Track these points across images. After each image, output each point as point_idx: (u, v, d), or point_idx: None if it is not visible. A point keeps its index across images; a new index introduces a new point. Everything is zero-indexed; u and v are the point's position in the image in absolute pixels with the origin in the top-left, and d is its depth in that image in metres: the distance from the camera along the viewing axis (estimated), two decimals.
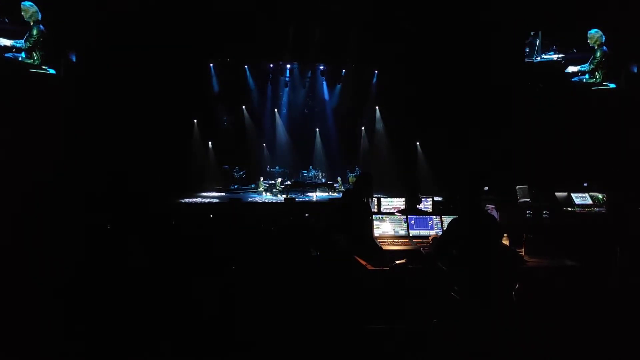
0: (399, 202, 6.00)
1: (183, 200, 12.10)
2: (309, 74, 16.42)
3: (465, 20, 10.91)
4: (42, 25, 8.92)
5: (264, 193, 14.39)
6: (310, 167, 15.98)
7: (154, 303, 4.30)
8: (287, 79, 16.07)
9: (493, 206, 5.00)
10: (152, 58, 11.05)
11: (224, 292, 4.62)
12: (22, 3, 8.67)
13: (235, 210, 7.63)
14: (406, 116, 13.95)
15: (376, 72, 15.86)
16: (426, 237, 4.33)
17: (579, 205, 6.40)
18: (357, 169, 15.86)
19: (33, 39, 8.76)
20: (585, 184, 7.03)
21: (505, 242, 4.13)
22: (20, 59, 8.71)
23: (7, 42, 8.63)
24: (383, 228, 4.47)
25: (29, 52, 8.78)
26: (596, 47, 9.52)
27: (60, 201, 7.40)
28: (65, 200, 7.48)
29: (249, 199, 12.95)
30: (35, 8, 8.80)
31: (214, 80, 15.26)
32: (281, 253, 5.32)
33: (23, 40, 8.71)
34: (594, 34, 9.49)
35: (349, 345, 3.67)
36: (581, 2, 9.48)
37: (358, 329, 3.76)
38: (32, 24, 8.78)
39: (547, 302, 3.71)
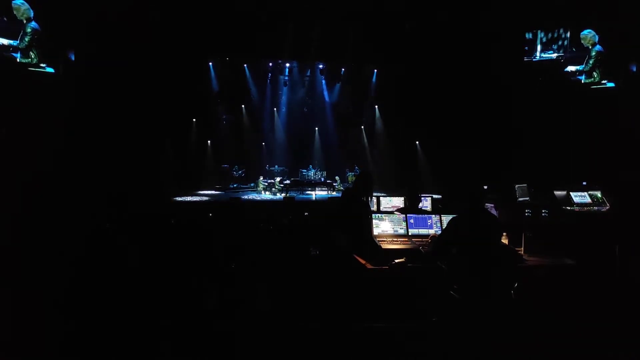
0: (398, 201, 6.01)
1: (182, 199, 12.09)
2: (308, 73, 16.38)
3: (465, 19, 10.91)
4: (36, 22, 8.87)
5: (263, 192, 14.39)
6: (310, 166, 15.96)
7: (154, 302, 4.29)
8: (286, 77, 16.04)
9: (492, 205, 5.01)
10: (152, 56, 11.02)
11: (224, 291, 4.61)
12: (13, 2, 8.62)
13: (234, 209, 7.62)
14: (406, 115, 13.93)
15: (375, 70, 15.83)
16: (425, 236, 4.33)
17: (578, 204, 6.40)
18: (356, 168, 15.85)
19: (28, 37, 8.72)
20: (585, 183, 7.02)
21: (505, 240, 4.14)
22: (18, 59, 8.69)
23: (5, 41, 8.61)
24: (382, 227, 4.47)
25: (25, 51, 8.76)
26: (590, 47, 9.54)
27: (59, 200, 7.40)
28: (64, 200, 7.48)
29: (248, 197, 12.95)
30: (26, 5, 8.72)
31: (213, 79, 15.24)
32: (280, 252, 5.32)
33: (18, 40, 8.68)
34: (587, 34, 9.50)
35: (348, 344, 3.67)
36: (577, 2, 9.49)
37: (357, 328, 3.75)
38: (25, 22, 8.74)
39: (546, 300, 3.72)
